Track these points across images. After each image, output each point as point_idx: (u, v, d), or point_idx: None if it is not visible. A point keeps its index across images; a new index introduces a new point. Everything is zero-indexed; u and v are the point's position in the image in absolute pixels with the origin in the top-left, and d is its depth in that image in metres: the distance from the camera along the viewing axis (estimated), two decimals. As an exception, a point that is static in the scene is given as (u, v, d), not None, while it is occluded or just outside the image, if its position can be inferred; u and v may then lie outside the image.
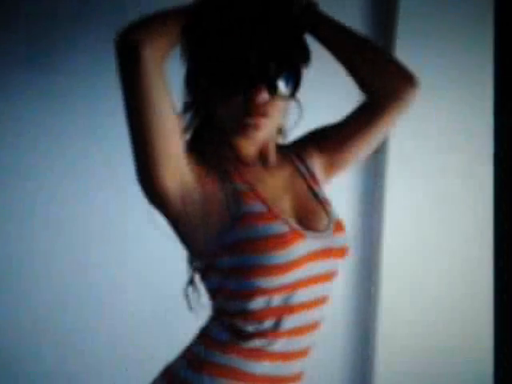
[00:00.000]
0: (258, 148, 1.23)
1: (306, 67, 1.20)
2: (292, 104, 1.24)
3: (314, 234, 1.19)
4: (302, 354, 1.22)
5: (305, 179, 1.30)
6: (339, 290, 1.92)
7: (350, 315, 2.03)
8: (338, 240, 1.23)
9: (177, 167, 1.10)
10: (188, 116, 1.21)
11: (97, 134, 1.70)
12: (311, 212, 1.24)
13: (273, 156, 1.25)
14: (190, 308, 1.24)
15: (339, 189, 1.48)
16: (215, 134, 1.20)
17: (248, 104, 1.13)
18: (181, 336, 1.26)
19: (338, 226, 1.26)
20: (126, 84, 1.06)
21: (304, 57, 1.20)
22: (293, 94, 1.18)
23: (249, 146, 1.22)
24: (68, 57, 1.65)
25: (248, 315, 1.15)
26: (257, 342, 1.16)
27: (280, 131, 1.30)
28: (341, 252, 1.24)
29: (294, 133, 1.33)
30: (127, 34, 1.03)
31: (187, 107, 1.21)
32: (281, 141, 1.32)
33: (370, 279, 2.02)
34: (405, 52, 1.69)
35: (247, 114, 1.13)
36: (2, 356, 1.75)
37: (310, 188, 1.29)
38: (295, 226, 1.18)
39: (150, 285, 1.78)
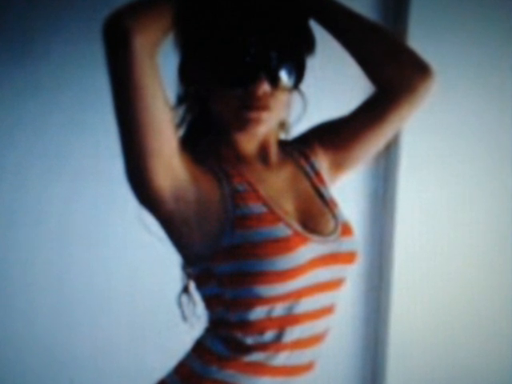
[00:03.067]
0: (258, 144, 1.20)
1: (310, 56, 1.17)
2: (295, 96, 1.21)
3: (320, 238, 1.16)
4: (305, 368, 1.18)
5: (309, 178, 1.26)
6: (346, 298, 1.91)
7: (358, 325, 2.03)
8: (345, 244, 1.20)
9: (170, 165, 1.06)
10: (182, 110, 1.18)
11: (82, 129, 1.70)
12: (316, 214, 1.21)
13: (274, 153, 1.22)
14: (184, 318, 1.22)
15: (347, 189, 1.47)
16: (212, 129, 1.17)
17: (247, 97, 1.10)
18: (174, 349, 1.23)
19: (346, 229, 1.23)
20: (115, 75, 1.02)
21: (308, 45, 1.16)
22: (296, 86, 1.15)
23: (248, 143, 1.18)
24: (50, 46, 1.65)
25: (247, 326, 1.12)
26: (257, 356, 1.13)
27: (282, 126, 1.26)
28: (349, 257, 1.21)
29: (298, 128, 1.30)
30: (115, 20, 0.99)
31: (181, 100, 1.18)
32: (283, 137, 1.29)
33: (379, 286, 2.02)
34: (418, 40, 1.66)
35: (246, 107, 1.10)
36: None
37: (315, 188, 1.26)
38: (299, 228, 1.14)
39: (141, 293, 1.79)
